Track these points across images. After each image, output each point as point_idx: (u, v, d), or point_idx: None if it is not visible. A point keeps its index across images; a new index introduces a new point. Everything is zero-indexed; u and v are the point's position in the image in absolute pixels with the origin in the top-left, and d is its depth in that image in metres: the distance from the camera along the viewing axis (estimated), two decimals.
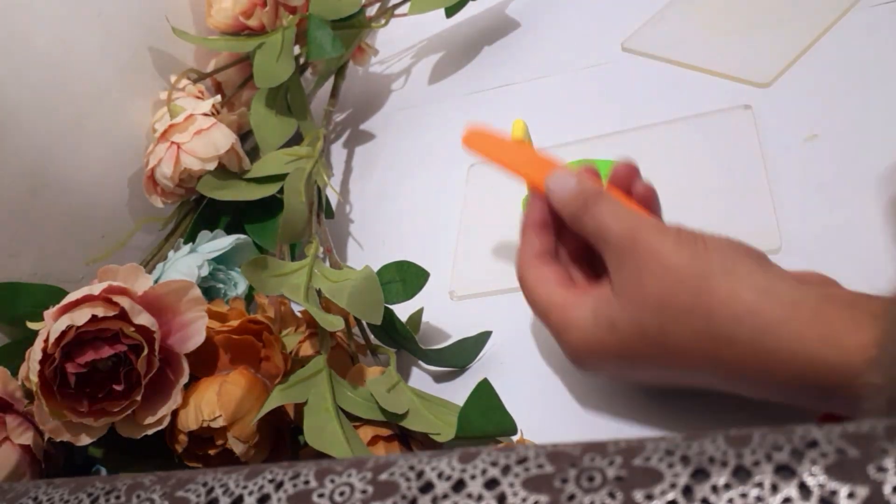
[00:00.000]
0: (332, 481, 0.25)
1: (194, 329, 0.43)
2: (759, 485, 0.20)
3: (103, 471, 0.46)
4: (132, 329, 0.41)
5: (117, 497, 0.28)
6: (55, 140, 0.57)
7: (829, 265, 0.37)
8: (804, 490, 0.20)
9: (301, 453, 0.45)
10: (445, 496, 0.23)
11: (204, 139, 0.55)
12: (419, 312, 0.50)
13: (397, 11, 0.68)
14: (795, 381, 0.32)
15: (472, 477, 0.23)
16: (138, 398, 0.42)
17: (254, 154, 0.61)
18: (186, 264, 0.52)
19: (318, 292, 0.47)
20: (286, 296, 0.45)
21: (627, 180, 0.41)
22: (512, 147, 0.45)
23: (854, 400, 0.28)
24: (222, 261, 0.55)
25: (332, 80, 0.68)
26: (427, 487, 0.24)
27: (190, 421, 0.42)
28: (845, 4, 0.54)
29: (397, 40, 0.76)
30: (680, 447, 0.22)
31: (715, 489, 0.21)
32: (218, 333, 0.45)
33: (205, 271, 0.52)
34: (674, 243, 0.35)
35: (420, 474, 0.24)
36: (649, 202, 0.41)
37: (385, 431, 0.42)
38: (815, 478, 0.20)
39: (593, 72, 0.62)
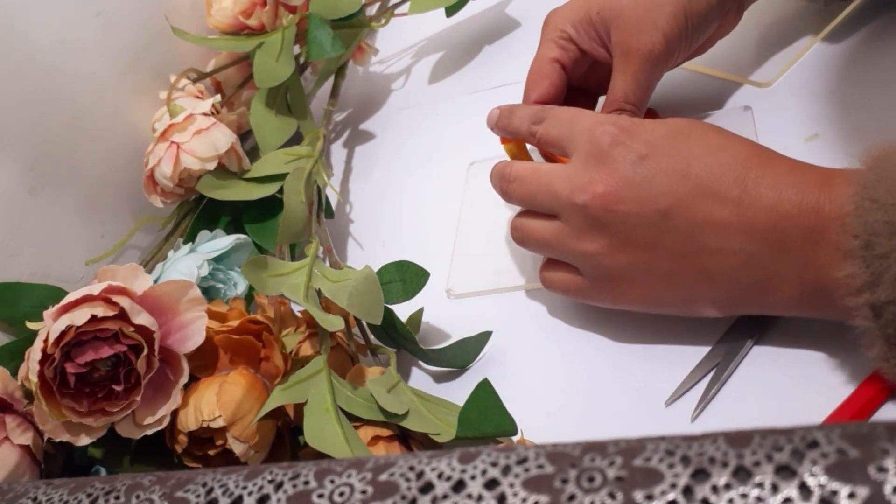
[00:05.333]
0: (332, 481, 0.25)
1: (194, 329, 0.43)
2: (760, 485, 0.20)
3: (103, 471, 0.46)
4: (132, 329, 0.41)
5: (116, 497, 0.28)
6: (55, 139, 0.57)
7: None
8: (805, 490, 0.20)
9: (301, 453, 0.45)
10: (445, 496, 0.23)
11: (203, 139, 0.55)
12: (419, 312, 0.50)
13: (397, 11, 0.68)
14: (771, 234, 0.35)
15: (472, 477, 0.23)
16: (138, 398, 0.42)
17: (254, 154, 0.61)
18: (186, 264, 0.52)
19: (318, 292, 0.47)
20: (286, 296, 0.45)
21: None
22: None
23: (830, 258, 0.33)
24: (222, 261, 0.55)
25: (332, 79, 0.67)
26: (427, 488, 0.24)
27: (190, 421, 0.42)
28: (846, 4, 0.54)
29: (397, 40, 0.76)
30: (680, 447, 0.22)
31: (715, 489, 0.21)
32: (218, 333, 0.44)
33: (204, 271, 0.52)
34: None
35: (420, 475, 0.24)
36: None
37: (385, 431, 0.42)
38: (815, 478, 0.20)
39: None
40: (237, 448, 0.41)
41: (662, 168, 0.38)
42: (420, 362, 0.50)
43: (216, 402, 0.42)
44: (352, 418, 0.42)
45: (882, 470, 0.19)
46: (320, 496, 0.25)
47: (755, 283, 0.37)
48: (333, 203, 0.61)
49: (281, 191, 0.55)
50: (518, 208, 0.47)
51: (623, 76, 0.47)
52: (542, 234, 0.43)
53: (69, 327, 0.40)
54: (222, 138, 0.55)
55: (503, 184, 0.45)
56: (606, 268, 0.41)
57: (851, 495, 0.19)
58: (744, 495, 0.20)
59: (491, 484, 0.23)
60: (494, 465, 0.23)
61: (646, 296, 0.41)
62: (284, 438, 0.45)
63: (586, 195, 0.40)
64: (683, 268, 0.39)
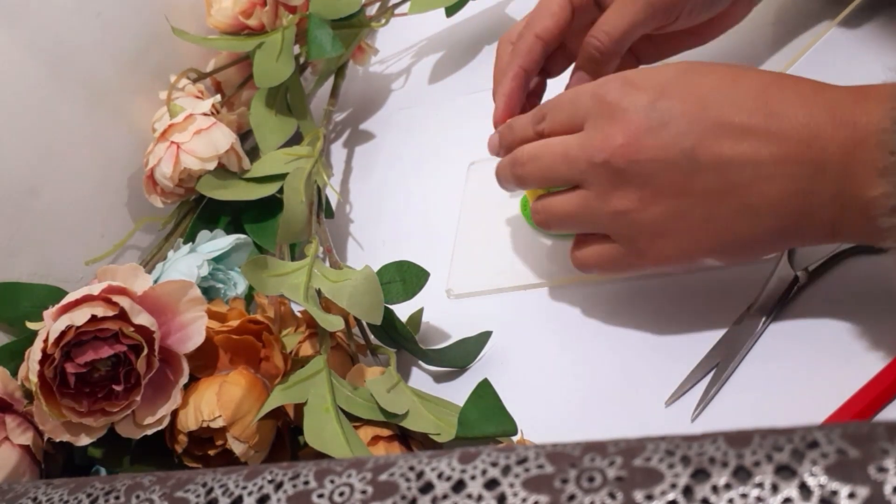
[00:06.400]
0: (332, 482, 0.25)
1: (194, 329, 0.43)
2: (760, 485, 0.20)
3: (103, 471, 0.46)
4: (132, 329, 0.41)
5: (116, 497, 0.28)
6: (55, 140, 0.57)
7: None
8: (805, 490, 0.20)
9: (301, 453, 0.45)
10: (445, 496, 0.23)
11: (203, 139, 0.55)
12: (419, 312, 0.50)
13: (397, 11, 0.68)
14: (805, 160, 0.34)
15: (472, 477, 0.23)
16: (138, 398, 0.42)
17: (254, 154, 0.61)
18: (186, 264, 0.52)
19: (318, 292, 0.47)
20: (286, 296, 0.45)
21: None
22: None
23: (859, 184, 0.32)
24: (222, 261, 0.55)
25: (332, 79, 0.67)
26: (427, 488, 0.24)
27: (190, 421, 0.42)
28: (845, 4, 0.54)
29: (397, 40, 0.76)
30: (680, 447, 0.22)
31: (715, 489, 0.21)
32: (218, 333, 0.44)
33: (204, 271, 0.52)
34: None
35: (420, 475, 0.24)
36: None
37: (385, 431, 0.42)
38: (815, 478, 0.20)
39: None
40: (237, 448, 0.41)
41: (678, 108, 0.37)
42: (420, 362, 0.50)
43: (216, 402, 0.42)
44: (352, 418, 0.42)
45: (882, 470, 0.19)
46: (320, 496, 0.25)
47: (794, 211, 0.35)
48: (333, 203, 0.61)
49: (281, 191, 0.55)
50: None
51: (612, 8, 0.45)
52: (566, 207, 0.41)
53: (69, 327, 0.40)
54: (222, 138, 0.55)
55: (516, 168, 0.43)
56: (641, 224, 0.39)
57: (851, 495, 0.19)
58: (744, 495, 0.20)
59: (491, 484, 0.23)
60: (494, 465, 0.23)
61: (686, 247, 0.38)
62: (284, 438, 0.45)
63: (605, 152, 0.38)
64: (720, 209, 0.37)
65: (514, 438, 0.41)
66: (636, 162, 0.37)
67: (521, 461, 0.23)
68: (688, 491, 0.21)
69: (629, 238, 0.40)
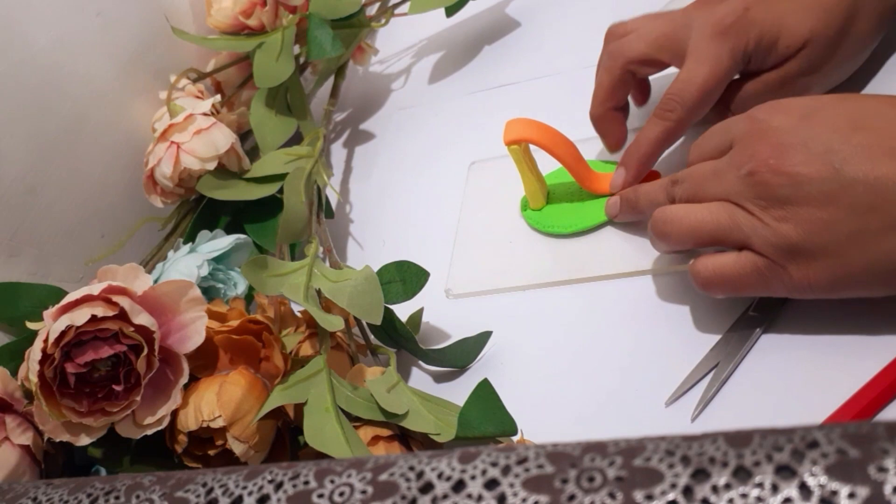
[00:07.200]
0: (332, 482, 0.25)
1: (194, 329, 0.43)
2: (760, 485, 0.20)
3: (103, 471, 0.46)
4: (132, 329, 0.41)
5: (116, 497, 0.28)
6: (55, 140, 0.57)
7: None
8: (805, 490, 0.20)
9: (301, 453, 0.45)
10: (445, 496, 0.23)
11: (203, 139, 0.55)
12: (419, 312, 0.50)
13: (397, 11, 0.68)
14: None
15: (472, 477, 0.23)
16: (138, 398, 0.42)
17: (254, 154, 0.61)
18: (186, 264, 0.52)
19: (318, 292, 0.47)
20: (286, 296, 0.45)
21: None
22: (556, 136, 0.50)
23: None
24: (222, 261, 0.55)
25: (332, 79, 0.67)
26: (427, 488, 0.24)
27: (189, 421, 0.42)
28: None
29: (397, 40, 0.76)
30: (680, 447, 0.22)
31: (715, 489, 0.21)
32: (218, 333, 0.44)
33: (204, 271, 0.52)
34: None
35: (420, 475, 0.24)
36: None
37: (385, 431, 0.42)
38: (815, 478, 0.20)
39: (593, 72, 0.62)
40: (237, 448, 0.41)
41: (829, 124, 0.37)
42: (420, 362, 0.50)
43: (216, 402, 0.42)
44: (352, 418, 0.42)
45: (882, 470, 0.19)
46: (320, 496, 0.25)
47: None
48: (333, 203, 0.61)
49: (281, 191, 0.55)
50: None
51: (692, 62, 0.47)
52: (700, 216, 0.40)
53: (69, 327, 0.40)
54: (222, 138, 0.55)
55: (665, 191, 0.44)
56: (786, 237, 0.37)
57: (851, 495, 0.19)
58: (744, 495, 0.20)
59: (491, 484, 0.23)
60: (494, 465, 0.23)
61: (836, 269, 0.37)
62: (284, 438, 0.45)
63: (751, 163, 0.38)
64: (868, 222, 0.35)
65: (514, 438, 0.41)
66: (782, 174, 0.37)
67: (521, 461, 0.23)
68: (688, 491, 0.21)
69: (773, 250, 0.38)
